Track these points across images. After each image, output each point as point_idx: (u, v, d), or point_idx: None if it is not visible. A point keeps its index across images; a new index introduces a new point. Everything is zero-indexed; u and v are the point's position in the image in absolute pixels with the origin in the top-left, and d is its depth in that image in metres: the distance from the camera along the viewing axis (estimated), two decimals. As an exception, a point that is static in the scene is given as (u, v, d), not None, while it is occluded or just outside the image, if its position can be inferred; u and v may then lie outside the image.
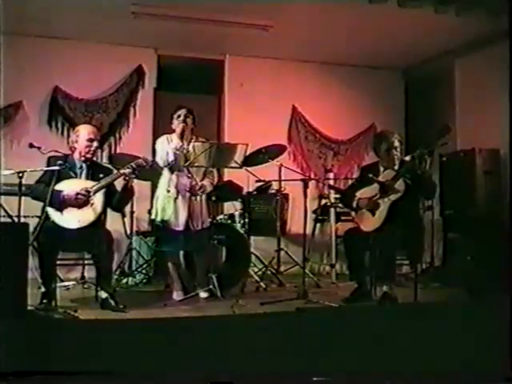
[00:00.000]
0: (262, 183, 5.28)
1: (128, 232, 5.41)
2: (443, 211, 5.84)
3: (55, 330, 2.56)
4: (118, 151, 6.02)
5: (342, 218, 5.51)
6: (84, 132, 4.12)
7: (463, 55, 6.19)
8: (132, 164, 3.99)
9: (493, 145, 5.59)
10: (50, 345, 2.37)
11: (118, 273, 5.20)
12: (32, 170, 3.91)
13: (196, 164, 4.29)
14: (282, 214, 5.33)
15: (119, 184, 4.07)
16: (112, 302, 3.87)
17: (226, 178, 5.72)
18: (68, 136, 5.52)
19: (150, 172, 4.50)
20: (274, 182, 5.25)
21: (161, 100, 6.29)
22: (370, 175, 4.15)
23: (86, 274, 5.10)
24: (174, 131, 4.42)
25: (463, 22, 5.02)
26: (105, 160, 5.72)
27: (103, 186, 3.97)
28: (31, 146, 4.02)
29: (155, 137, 5.43)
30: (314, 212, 5.82)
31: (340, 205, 5.25)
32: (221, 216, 5.23)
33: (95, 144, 4.11)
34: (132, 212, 5.39)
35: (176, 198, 4.34)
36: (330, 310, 3.78)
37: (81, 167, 4.08)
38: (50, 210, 3.85)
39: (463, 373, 2.40)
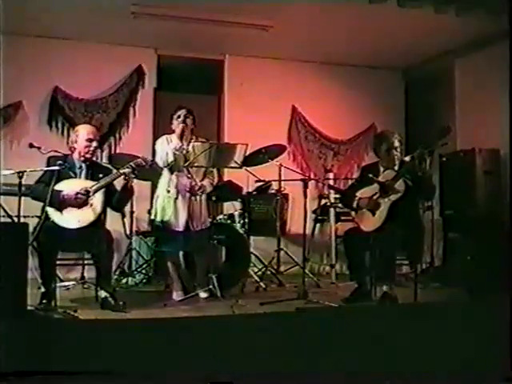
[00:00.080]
0: (261, 183, 5.28)
1: (128, 232, 5.41)
2: (443, 211, 5.84)
3: (55, 330, 2.55)
4: (117, 151, 6.02)
5: (342, 218, 5.51)
6: (83, 132, 4.12)
7: (463, 55, 6.19)
8: (131, 164, 3.99)
9: (493, 145, 5.59)
10: (50, 345, 2.37)
11: (117, 273, 5.20)
12: (32, 170, 3.91)
13: (196, 164, 4.29)
14: (281, 214, 5.33)
15: (119, 184, 4.08)
16: (112, 301, 3.87)
17: (225, 178, 5.72)
18: (68, 136, 5.51)
19: (149, 172, 4.50)
20: (273, 182, 5.25)
21: (161, 100, 6.29)
22: (370, 175, 4.15)
23: (85, 274, 5.10)
24: (173, 131, 4.42)
25: (463, 22, 5.02)
26: (105, 160, 5.72)
27: (103, 186, 3.97)
28: (31, 146, 4.02)
29: (155, 137, 5.43)
30: (314, 212, 5.82)
31: (340, 205, 5.25)
32: (221, 216, 5.23)
33: (94, 144, 4.11)
34: (132, 212, 5.39)
35: (176, 199, 4.34)
36: (329, 310, 3.78)
37: (80, 167, 4.08)
38: (49, 210, 3.85)
39: (463, 373, 2.40)
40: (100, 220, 4.02)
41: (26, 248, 3.14)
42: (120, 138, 6.13)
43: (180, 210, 4.33)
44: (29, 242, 3.44)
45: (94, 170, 4.10)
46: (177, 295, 4.41)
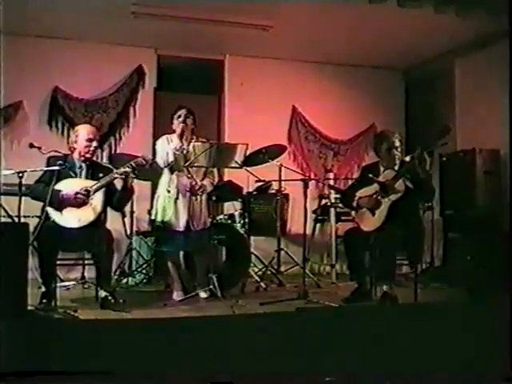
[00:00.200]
0: (261, 183, 5.29)
1: (128, 232, 5.41)
2: (443, 211, 5.84)
3: (55, 330, 2.55)
4: (117, 151, 6.02)
5: (342, 217, 5.52)
6: (83, 132, 4.12)
7: (463, 55, 6.19)
8: (131, 163, 3.99)
9: (493, 145, 5.59)
10: (50, 345, 2.37)
11: (117, 273, 5.19)
12: (32, 170, 3.91)
13: (196, 164, 4.29)
14: (282, 214, 5.33)
15: (119, 183, 4.08)
16: (112, 301, 3.87)
17: (226, 178, 5.72)
18: (68, 136, 5.51)
19: (150, 172, 4.51)
20: (274, 182, 5.25)
21: (161, 100, 6.29)
22: (370, 175, 4.15)
23: (86, 274, 5.11)
24: (174, 131, 4.42)
25: (463, 22, 5.02)
26: (105, 160, 5.72)
27: (103, 186, 3.97)
28: (31, 146, 4.02)
29: (155, 137, 5.44)
30: (314, 212, 5.82)
31: (340, 205, 5.25)
32: (221, 216, 5.23)
33: (94, 144, 4.11)
34: (132, 212, 5.39)
35: (176, 198, 4.34)
36: (329, 310, 3.78)
37: (80, 167, 4.08)
38: (49, 210, 3.85)
39: (463, 373, 2.40)
40: (100, 220, 4.02)
41: (26, 248, 3.14)
42: (120, 138, 6.13)
43: (180, 210, 4.33)
44: (29, 241, 3.44)
45: (94, 170, 4.11)
46: (177, 295, 4.41)
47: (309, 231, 5.17)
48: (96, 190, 3.95)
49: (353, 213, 4.31)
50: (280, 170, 5.18)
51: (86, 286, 4.97)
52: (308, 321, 2.71)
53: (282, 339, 2.48)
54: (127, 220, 5.39)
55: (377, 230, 4.05)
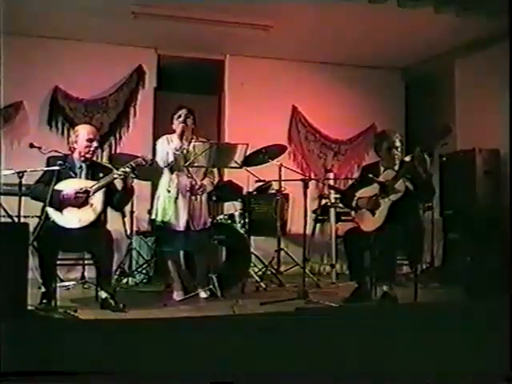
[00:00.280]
0: (262, 183, 5.29)
1: (128, 232, 5.41)
2: (443, 211, 5.84)
3: (55, 330, 2.55)
4: (117, 151, 6.03)
5: (342, 217, 5.52)
6: (83, 132, 4.12)
7: (463, 55, 6.19)
8: (131, 163, 3.99)
9: (493, 145, 5.59)
10: (50, 345, 2.37)
11: (118, 273, 5.20)
12: (32, 170, 3.92)
13: (196, 164, 4.29)
14: (282, 214, 5.33)
15: (119, 183, 4.08)
16: (112, 302, 3.87)
17: (226, 178, 5.72)
18: (68, 136, 5.51)
19: (150, 172, 4.51)
20: (274, 182, 5.25)
21: (161, 100, 6.29)
22: (370, 175, 4.15)
23: (86, 274, 5.11)
24: (174, 131, 4.42)
25: (463, 22, 5.02)
26: (105, 160, 5.72)
27: (103, 186, 3.97)
28: (31, 146, 4.02)
29: (155, 137, 5.44)
30: (314, 212, 5.82)
31: (340, 205, 5.25)
32: (221, 216, 5.23)
33: (95, 144, 4.11)
34: (132, 212, 5.39)
35: (176, 198, 4.34)
36: (329, 310, 3.78)
37: (80, 167, 4.08)
38: (49, 210, 3.85)
39: (463, 373, 2.40)
40: (100, 220, 4.03)
41: (26, 248, 3.14)
42: (120, 138, 6.13)
43: (180, 210, 4.33)
44: (29, 242, 3.44)
45: (94, 170, 4.11)
46: (177, 295, 4.41)
47: (309, 231, 5.17)
48: (96, 191, 3.95)
49: (353, 213, 4.31)
50: (280, 170, 5.18)
51: (85, 286, 4.97)
52: (308, 321, 2.70)
53: (282, 339, 2.48)
54: (127, 220, 5.39)
55: (377, 230, 4.05)
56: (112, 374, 2.30)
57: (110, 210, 4.22)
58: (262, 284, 4.97)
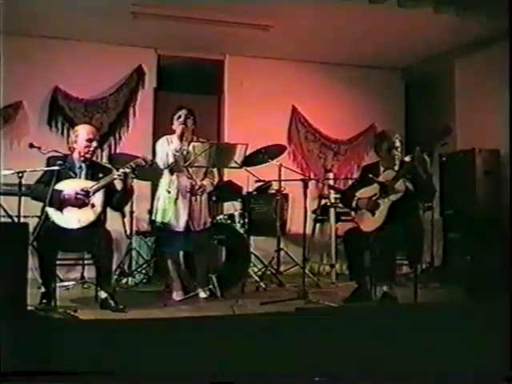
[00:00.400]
0: (261, 183, 5.29)
1: (128, 232, 5.41)
2: (443, 211, 5.84)
3: (55, 330, 2.55)
4: (117, 151, 6.02)
5: (342, 217, 5.51)
6: (83, 132, 4.12)
7: (463, 55, 6.19)
8: (131, 163, 3.99)
9: (493, 145, 5.59)
10: (50, 345, 2.37)
11: (117, 273, 5.20)
12: (32, 170, 3.92)
13: (196, 164, 4.29)
14: (281, 214, 5.33)
15: (119, 184, 4.08)
16: (112, 302, 3.87)
17: (226, 178, 5.72)
18: (68, 136, 5.50)
19: (150, 172, 4.50)
20: (273, 182, 5.25)
21: (161, 100, 6.29)
22: (370, 175, 4.15)
23: (85, 274, 5.11)
24: (174, 132, 4.42)
25: (463, 22, 5.02)
26: (105, 160, 5.72)
27: (102, 186, 3.97)
28: (31, 146, 4.02)
29: (155, 137, 5.44)
30: (314, 212, 5.82)
31: (340, 205, 5.25)
32: (221, 216, 5.23)
33: (94, 144, 4.11)
34: (132, 212, 5.38)
35: (176, 199, 4.34)
36: (329, 310, 3.78)
37: (80, 167, 4.08)
38: (49, 210, 3.85)
39: (463, 373, 2.40)
40: (100, 220, 4.02)
41: (26, 248, 3.14)
42: (120, 138, 6.13)
43: (181, 211, 4.33)
44: (29, 242, 3.44)
45: (93, 170, 4.10)
46: (177, 295, 4.41)
47: (309, 231, 5.16)
48: (96, 191, 3.95)
49: (352, 213, 4.31)
50: (280, 170, 5.18)
51: (85, 286, 4.97)
52: (308, 321, 2.70)
53: (282, 339, 2.48)
54: (127, 220, 5.39)
55: (377, 230, 4.05)
56: (112, 373, 2.30)
57: (109, 210, 4.22)
58: (261, 284, 4.97)
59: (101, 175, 4.03)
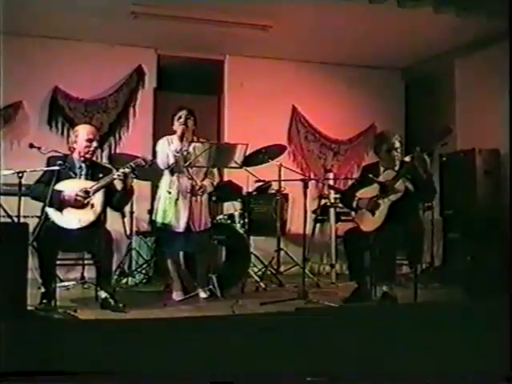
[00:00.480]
0: (261, 183, 5.29)
1: (128, 232, 5.41)
2: (443, 211, 5.84)
3: (55, 330, 2.55)
4: (117, 151, 6.02)
5: (342, 217, 5.51)
6: (83, 132, 4.12)
7: (463, 55, 6.19)
8: (131, 164, 3.99)
9: (493, 145, 5.59)
10: (50, 345, 2.37)
11: (117, 273, 5.20)
12: (32, 170, 3.92)
13: (196, 165, 4.29)
14: (281, 214, 5.33)
15: (119, 184, 4.07)
16: (112, 302, 3.87)
17: (225, 178, 5.72)
18: (68, 136, 5.50)
19: (150, 172, 4.50)
20: (273, 182, 5.25)
21: (161, 100, 6.29)
22: (370, 175, 4.15)
23: (85, 274, 5.11)
24: (174, 132, 4.41)
25: (463, 22, 5.02)
26: (105, 160, 5.72)
27: (102, 186, 3.97)
28: (31, 146, 4.02)
29: (155, 137, 5.44)
30: (314, 212, 5.82)
31: (340, 205, 5.25)
32: (221, 216, 5.23)
33: (94, 144, 4.11)
34: (132, 212, 5.38)
35: (177, 200, 4.33)
36: (329, 310, 3.78)
37: (80, 167, 4.08)
38: (49, 210, 3.85)
39: (463, 373, 2.40)
40: (100, 220, 4.02)
41: (26, 248, 3.14)
42: (120, 138, 6.12)
43: (181, 211, 4.32)
44: (29, 242, 3.44)
45: (93, 170, 4.10)
46: (177, 295, 4.41)
47: (308, 231, 5.17)
48: (96, 191, 3.95)
49: (352, 213, 4.31)
50: (280, 170, 5.18)
51: (85, 286, 4.97)
52: (308, 321, 2.70)
53: (282, 339, 2.48)
54: (127, 220, 5.39)
55: (377, 230, 4.05)
56: (112, 373, 2.30)
57: (109, 210, 4.22)
58: (261, 284, 4.97)
59: (101, 175, 4.03)
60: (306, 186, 4.35)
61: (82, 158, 4.07)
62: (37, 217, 3.95)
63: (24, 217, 3.85)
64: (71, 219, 3.88)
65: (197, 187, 4.33)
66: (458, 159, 5.77)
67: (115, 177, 3.98)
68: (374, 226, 4.08)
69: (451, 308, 3.09)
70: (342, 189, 5.56)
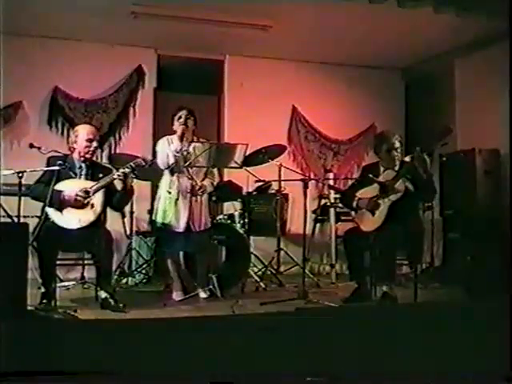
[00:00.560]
0: (261, 183, 5.29)
1: (128, 232, 5.41)
2: (443, 211, 5.84)
3: (55, 330, 2.55)
4: (117, 151, 6.02)
5: (342, 217, 5.51)
6: (83, 132, 4.12)
7: (463, 55, 6.19)
8: (131, 163, 3.99)
9: (493, 145, 5.59)
10: (50, 345, 2.37)
11: (117, 273, 5.20)
12: (32, 170, 3.92)
13: (196, 164, 4.29)
14: (281, 214, 5.33)
15: (119, 184, 4.07)
16: (112, 302, 3.87)
17: (225, 178, 5.72)
18: (68, 136, 5.50)
19: (150, 172, 4.50)
20: (273, 182, 5.25)
21: (161, 100, 6.29)
22: (370, 175, 4.15)
23: (85, 274, 5.11)
24: (174, 132, 4.41)
25: (463, 22, 5.02)
26: (105, 160, 5.72)
27: (102, 186, 3.97)
28: (31, 146, 4.02)
29: (155, 137, 5.44)
30: (314, 212, 5.82)
31: (340, 205, 5.25)
32: (221, 216, 5.23)
33: (94, 144, 4.11)
34: (132, 212, 5.38)
35: (177, 200, 4.33)
36: (329, 310, 3.78)
37: (80, 167, 4.08)
38: (49, 210, 3.85)
39: (463, 373, 2.40)
40: (100, 220, 4.02)
41: (26, 248, 3.14)
42: (120, 138, 6.12)
43: (181, 212, 4.32)
44: (29, 241, 3.44)
45: (93, 170, 4.10)
46: (177, 295, 4.41)
47: (308, 231, 5.17)
48: (96, 191, 3.95)
49: (352, 213, 4.31)
50: (280, 170, 5.18)
51: (85, 286, 4.97)
52: (308, 321, 2.70)
53: (282, 339, 2.48)
54: (127, 220, 5.39)
55: (377, 230, 4.05)
56: (112, 373, 2.30)
57: (109, 210, 4.22)
58: (261, 284, 4.97)
59: (101, 175, 4.03)
60: (305, 186, 4.35)
61: (82, 158, 4.07)
62: (37, 217, 3.95)
63: (24, 217, 3.85)
64: (71, 219, 3.88)
65: (197, 187, 4.33)
66: (457, 159, 5.77)
67: (115, 177, 3.98)
68: (374, 225, 4.08)
69: (451, 308, 3.09)
70: (342, 189, 5.56)
